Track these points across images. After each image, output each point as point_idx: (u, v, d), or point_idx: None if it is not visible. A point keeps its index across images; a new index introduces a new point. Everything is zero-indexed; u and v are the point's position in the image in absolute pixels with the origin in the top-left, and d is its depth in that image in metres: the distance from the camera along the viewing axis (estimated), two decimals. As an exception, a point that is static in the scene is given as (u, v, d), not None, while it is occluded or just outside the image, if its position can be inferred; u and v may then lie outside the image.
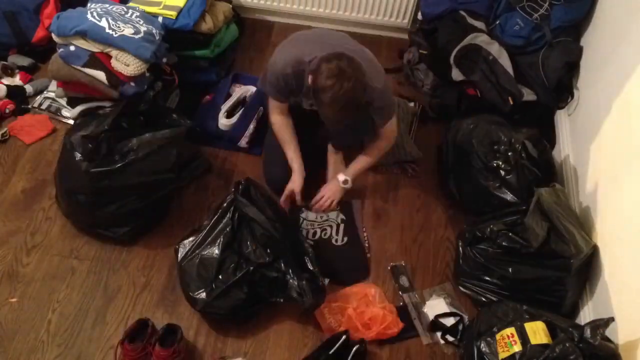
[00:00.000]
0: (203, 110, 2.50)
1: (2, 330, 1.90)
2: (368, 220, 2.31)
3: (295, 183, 2.12)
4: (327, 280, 1.99)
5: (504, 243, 1.93)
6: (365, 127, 2.11)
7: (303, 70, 1.91)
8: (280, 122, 2.14)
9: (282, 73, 1.95)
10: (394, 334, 1.94)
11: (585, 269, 1.91)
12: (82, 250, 2.12)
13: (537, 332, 1.61)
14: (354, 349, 1.84)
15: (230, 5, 2.69)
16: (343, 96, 1.73)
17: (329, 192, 2.17)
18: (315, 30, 2.15)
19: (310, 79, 1.82)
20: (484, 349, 1.67)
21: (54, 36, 2.27)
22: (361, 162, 2.18)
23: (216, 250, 1.91)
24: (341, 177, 2.15)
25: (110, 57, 2.19)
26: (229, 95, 2.56)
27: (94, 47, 2.20)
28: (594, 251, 1.89)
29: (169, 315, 1.98)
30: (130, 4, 2.44)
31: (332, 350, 1.84)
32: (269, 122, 2.19)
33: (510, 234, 1.93)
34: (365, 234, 2.24)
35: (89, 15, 2.21)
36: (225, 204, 1.96)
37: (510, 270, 1.95)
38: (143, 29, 2.23)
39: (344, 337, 1.86)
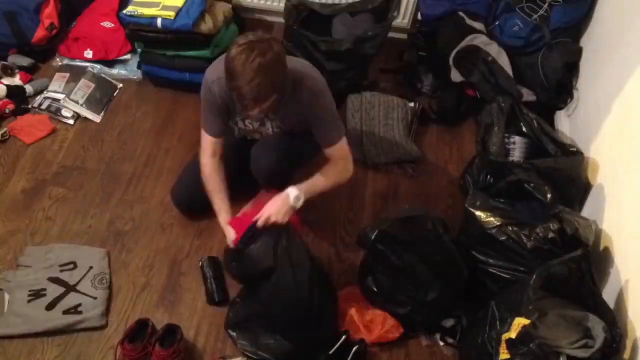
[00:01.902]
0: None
1: (2, 330, 1.90)
2: (368, 220, 2.31)
3: (230, 236, 1.88)
4: None
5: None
6: (298, 152, 1.95)
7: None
8: (211, 166, 1.93)
9: (208, 92, 1.84)
10: (394, 338, 1.94)
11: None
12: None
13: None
14: (354, 349, 1.84)
15: (230, 5, 2.70)
16: (255, 62, 1.56)
17: (274, 211, 1.80)
18: None
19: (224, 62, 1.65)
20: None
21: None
22: (316, 180, 1.88)
23: None
24: (293, 191, 1.81)
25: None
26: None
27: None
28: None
29: (169, 315, 1.98)
30: (130, 7, 2.45)
31: (332, 350, 1.84)
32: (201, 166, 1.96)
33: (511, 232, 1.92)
34: None
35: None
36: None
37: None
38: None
39: (344, 337, 1.86)
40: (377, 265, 1.92)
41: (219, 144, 1.94)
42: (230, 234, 1.88)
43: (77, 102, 2.53)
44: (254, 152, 2.04)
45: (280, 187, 1.87)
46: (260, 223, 1.79)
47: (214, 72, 1.83)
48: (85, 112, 2.53)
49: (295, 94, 1.78)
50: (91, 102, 2.55)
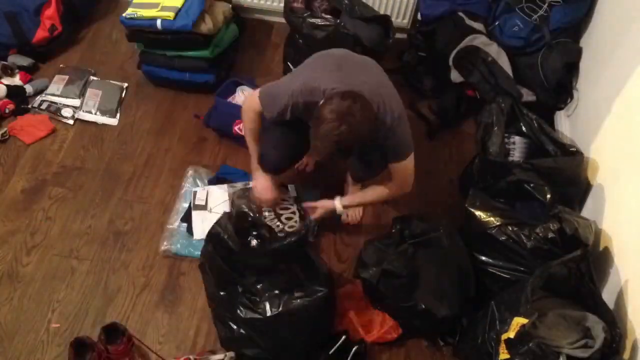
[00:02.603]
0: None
1: (2, 330, 1.90)
2: (368, 220, 2.31)
3: (258, 182, 2.10)
4: None
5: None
6: (380, 162, 1.97)
7: (316, 101, 1.73)
8: (255, 125, 2.01)
9: (292, 100, 1.80)
10: (392, 339, 1.94)
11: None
12: (82, 250, 2.12)
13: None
14: (354, 349, 1.84)
15: (230, 5, 2.70)
16: (337, 137, 1.63)
17: (320, 205, 2.11)
18: (338, 55, 1.90)
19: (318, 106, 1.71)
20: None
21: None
22: (359, 196, 2.14)
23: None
24: (338, 204, 2.09)
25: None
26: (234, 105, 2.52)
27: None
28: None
29: (168, 315, 1.98)
30: (129, 10, 2.45)
31: (331, 351, 1.84)
32: (243, 111, 2.02)
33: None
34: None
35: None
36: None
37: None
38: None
39: (343, 337, 1.86)
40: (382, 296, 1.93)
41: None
42: (260, 180, 2.07)
43: (91, 112, 2.54)
44: (354, 163, 2.15)
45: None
46: (308, 204, 2.13)
47: (288, 104, 1.81)
48: (102, 119, 2.54)
49: (378, 127, 1.77)
50: (104, 109, 2.56)
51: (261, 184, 2.10)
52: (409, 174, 1.94)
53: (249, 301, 1.76)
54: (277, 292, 1.75)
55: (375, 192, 2.05)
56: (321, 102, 1.69)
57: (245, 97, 2.08)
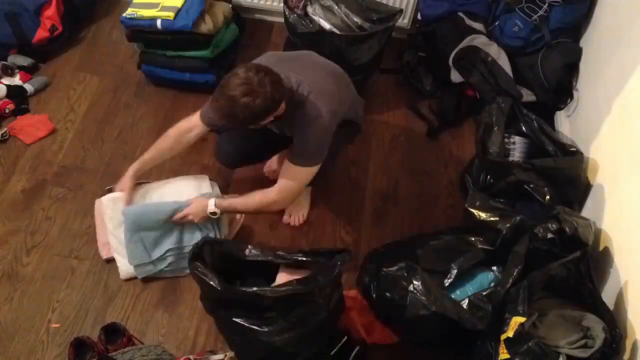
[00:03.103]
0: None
1: (2, 330, 1.90)
2: (368, 220, 2.31)
3: (123, 186, 2.00)
4: None
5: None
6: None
7: None
8: (176, 134, 1.99)
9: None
10: (392, 341, 1.94)
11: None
12: (82, 250, 2.12)
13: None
14: (355, 350, 1.84)
15: (230, 5, 2.70)
16: (234, 93, 1.61)
17: (192, 212, 1.94)
18: (301, 53, 1.98)
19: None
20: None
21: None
22: (240, 201, 1.94)
23: None
24: (212, 206, 1.91)
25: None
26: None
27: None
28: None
29: (168, 315, 1.98)
30: (129, 10, 2.45)
31: (333, 351, 1.84)
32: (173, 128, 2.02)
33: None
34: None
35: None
36: None
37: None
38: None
39: (345, 338, 1.86)
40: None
41: (204, 131, 1.99)
42: (125, 183, 1.98)
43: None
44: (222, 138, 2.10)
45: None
46: (176, 217, 1.95)
47: None
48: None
49: (294, 114, 1.77)
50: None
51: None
52: (295, 185, 1.85)
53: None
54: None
55: (255, 198, 1.89)
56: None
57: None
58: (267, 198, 1.87)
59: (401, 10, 2.54)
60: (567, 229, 1.75)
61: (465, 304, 1.75)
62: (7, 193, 2.26)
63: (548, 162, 2.04)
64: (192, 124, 1.99)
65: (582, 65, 2.43)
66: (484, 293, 1.74)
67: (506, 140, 2.21)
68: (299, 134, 1.82)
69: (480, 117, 2.24)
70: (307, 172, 1.85)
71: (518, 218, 1.79)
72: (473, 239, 1.86)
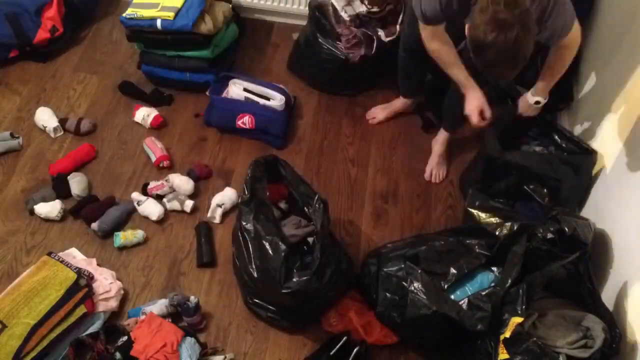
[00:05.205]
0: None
1: (2, 330, 1.90)
2: (368, 220, 2.32)
3: (480, 99, 1.97)
4: None
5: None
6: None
7: None
8: (441, 47, 1.94)
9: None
10: (393, 341, 1.94)
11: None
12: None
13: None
14: (355, 350, 1.84)
15: (230, 5, 2.69)
16: (509, 49, 1.53)
17: (522, 110, 2.05)
18: None
19: (467, 30, 1.66)
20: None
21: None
22: (548, 78, 1.99)
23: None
24: (532, 98, 2.02)
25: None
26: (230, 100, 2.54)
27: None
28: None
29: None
30: (129, 10, 2.45)
31: (333, 351, 1.84)
32: (426, 50, 1.98)
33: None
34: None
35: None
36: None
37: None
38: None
39: (345, 338, 1.86)
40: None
41: (442, 29, 1.91)
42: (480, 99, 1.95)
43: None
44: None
45: None
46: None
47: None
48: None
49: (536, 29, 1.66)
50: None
51: (475, 103, 1.98)
52: (578, 34, 1.82)
53: None
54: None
55: (567, 57, 1.90)
56: (466, 27, 1.64)
57: (423, 38, 1.96)
58: (572, 51, 1.87)
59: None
60: (567, 229, 1.75)
61: (464, 304, 1.75)
62: (7, 193, 2.26)
63: (548, 162, 2.04)
64: (435, 31, 1.90)
65: (583, 66, 2.43)
66: (484, 293, 1.75)
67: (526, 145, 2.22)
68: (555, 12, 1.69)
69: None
70: (577, 27, 1.80)
71: (516, 225, 1.79)
72: (472, 242, 1.87)
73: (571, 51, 1.90)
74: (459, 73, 1.98)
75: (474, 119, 1.98)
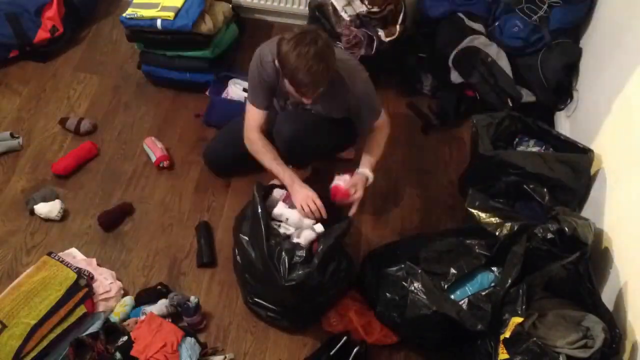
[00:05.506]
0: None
1: (2, 330, 1.90)
2: (368, 220, 2.31)
3: (312, 194, 1.92)
4: None
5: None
6: (322, 134, 2.05)
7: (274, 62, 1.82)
8: (258, 138, 2.00)
9: (262, 70, 1.91)
10: (393, 341, 1.94)
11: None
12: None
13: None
14: (355, 350, 1.84)
15: (230, 5, 2.70)
16: (310, 51, 1.67)
17: (360, 188, 2.00)
18: None
19: (276, 62, 1.78)
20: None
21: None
22: (374, 151, 2.06)
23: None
24: (369, 174, 2.03)
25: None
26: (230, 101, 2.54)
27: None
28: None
29: (169, 315, 1.99)
30: (129, 10, 2.45)
31: (333, 351, 1.84)
32: (245, 139, 2.04)
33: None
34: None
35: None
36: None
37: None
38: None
39: (345, 338, 1.86)
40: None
41: (265, 117, 2.01)
42: (302, 192, 1.92)
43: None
44: (280, 117, 2.08)
45: (299, 160, 2.14)
46: (353, 211, 1.99)
47: (269, 53, 1.89)
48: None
49: (348, 84, 1.88)
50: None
51: (304, 195, 1.92)
52: (387, 120, 2.08)
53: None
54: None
55: (381, 138, 2.08)
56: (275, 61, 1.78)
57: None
58: (387, 132, 2.09)
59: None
60: (567, 229, 1.75)
61: (464, 304, 1.76)
62: (7, 193, 2.26)
63: (547, 163, 2.04)
64: (256, 119, 2.01)
65: (582, 66, 2.43)
66: (484, 293, 1.75)
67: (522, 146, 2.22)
68: (363, 100, 1.96)
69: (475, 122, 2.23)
70: (383, 116, 2.06)
71: (516, 225, 1.79)
72: (472, 242, 1.87)
73: (386, 132, 2.09)
74: (278, 166, 1.97)
75: (306, 209, 1.89)
